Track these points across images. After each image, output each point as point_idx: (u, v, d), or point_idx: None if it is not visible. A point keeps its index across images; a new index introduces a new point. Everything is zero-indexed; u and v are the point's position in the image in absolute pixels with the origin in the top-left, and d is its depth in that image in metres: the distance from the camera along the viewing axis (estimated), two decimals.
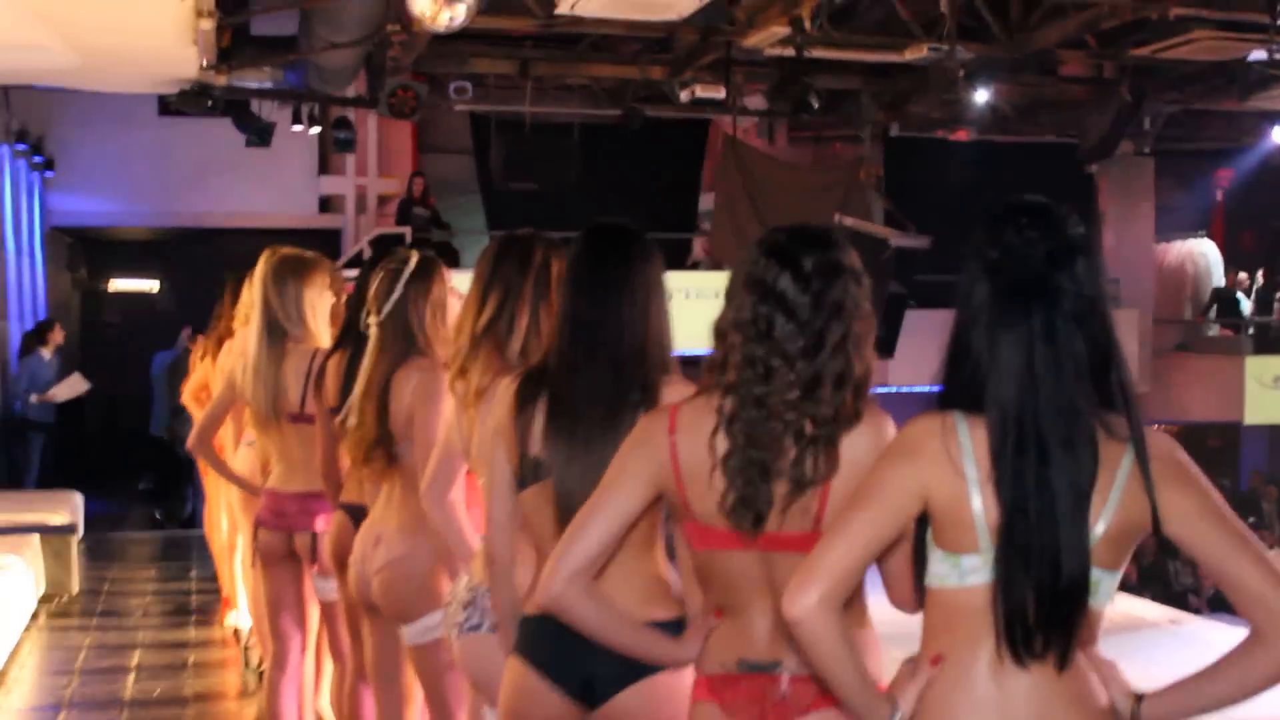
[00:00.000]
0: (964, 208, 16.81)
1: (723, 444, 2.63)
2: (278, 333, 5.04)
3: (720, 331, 2.72)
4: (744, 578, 2.68)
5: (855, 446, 2.58)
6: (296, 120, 14.59)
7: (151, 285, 19.29)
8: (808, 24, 10.85)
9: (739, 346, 2.65)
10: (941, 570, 2.34)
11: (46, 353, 13.52)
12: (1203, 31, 11.46)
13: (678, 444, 2.69)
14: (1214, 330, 20.59)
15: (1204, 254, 20.64)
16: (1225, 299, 20.16)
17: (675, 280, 13.42)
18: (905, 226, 16.06)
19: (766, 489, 2.59)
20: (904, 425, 2.40)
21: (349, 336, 4.53)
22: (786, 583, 2.36)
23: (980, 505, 2.28)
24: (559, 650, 2.93)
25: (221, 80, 12.04)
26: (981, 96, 13.17)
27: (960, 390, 2.33)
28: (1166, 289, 20.52)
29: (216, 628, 8.72)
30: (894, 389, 18.25)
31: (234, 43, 12.91)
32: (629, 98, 15.11)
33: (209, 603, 9.44)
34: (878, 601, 2.65)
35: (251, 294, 5.28)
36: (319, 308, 5.12)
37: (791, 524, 2.60)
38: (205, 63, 11.24)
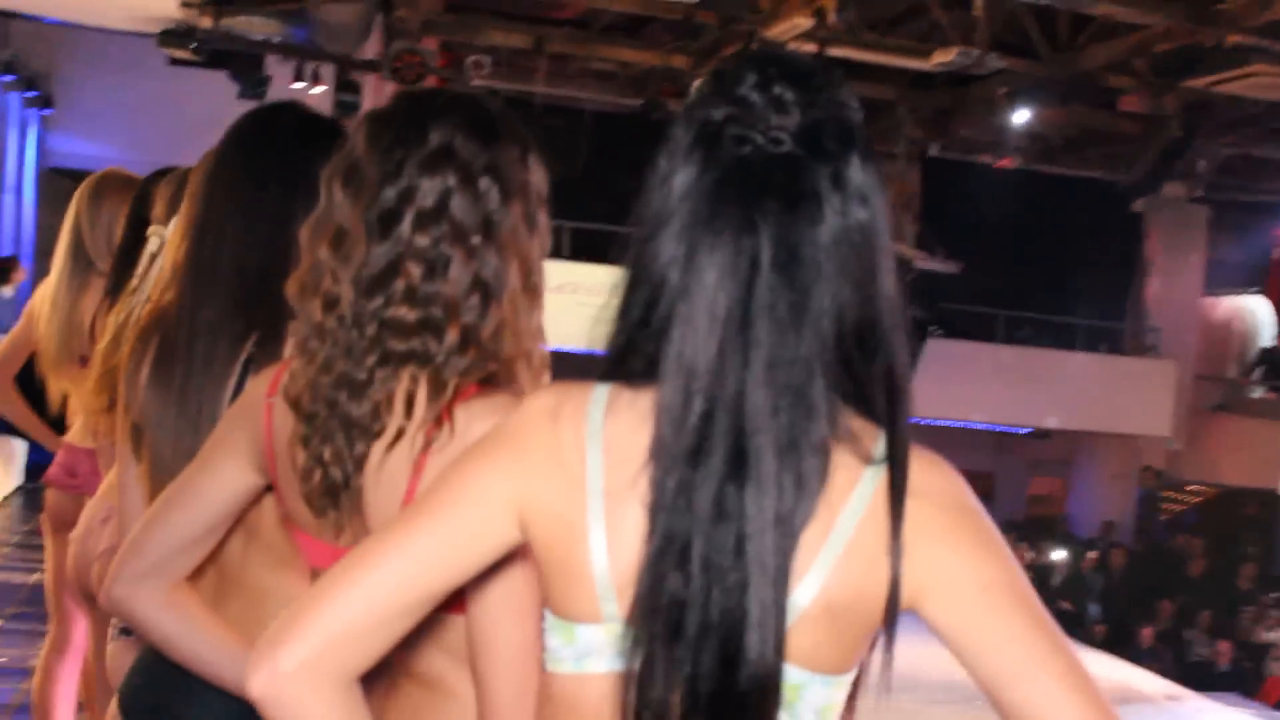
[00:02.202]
0: (1000, 237, 16.15)
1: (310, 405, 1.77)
2: (82, 261, 4.24)
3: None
4: None
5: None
6: (299, 78, 13.89)
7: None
8: (831, 15, 10.03)
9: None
10: (554, 645, 1.39)
11: (7, 291, 12.86)
12: (1262, 66, 10.55)
13: (274, 409, 1.83)
14: (1258, 392, 19.54)
15: (1254, 311, 19.56)
16: (1273, 360, 19.11)
17: None
18: (935, 250, 15.21)
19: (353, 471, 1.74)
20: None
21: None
22: (413, 633, 1.58)
23: (603, 541, 1.34)
24: (143, 684, 2.08)
25: (206, 23, 11.35)
26: (1021, 117, 12.33)
27: (625, 348, 1.37)
28: (1211, 345, 19.49)
29: None
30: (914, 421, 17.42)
31: None
32: (651, 88, 14.32)
33: None
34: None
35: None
36: None
37: None
38: (183, 0, 10.58)
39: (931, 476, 1.35)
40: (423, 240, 1.71)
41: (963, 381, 16.21)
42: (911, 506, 1.31)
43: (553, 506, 1.36)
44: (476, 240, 1.72)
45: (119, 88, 16.37)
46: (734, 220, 1.30)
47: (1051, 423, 17.15)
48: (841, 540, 1.30)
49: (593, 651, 1.34)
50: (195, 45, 11.46)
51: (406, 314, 1.70)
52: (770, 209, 1.29)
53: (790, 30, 10.84)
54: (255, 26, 13.15)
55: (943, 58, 10.32)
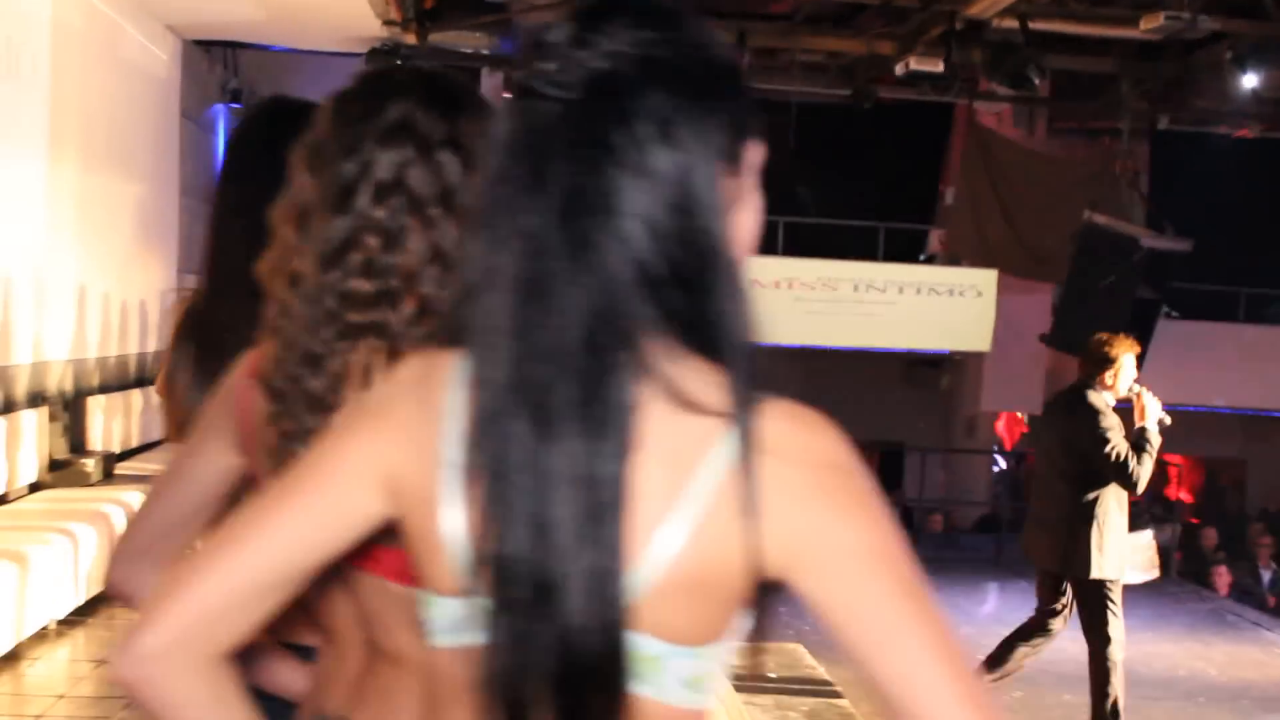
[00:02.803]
0: (1239, 212, 15.35)
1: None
2: None
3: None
4: (329, 597, 1.76)
5: None
6: (508, 90, 14.11)
7: None
8: None
9: None
10: (429, 619, 1.35)
11: None
12: None
13: (250, 391, 1.82)
14: None
15: None
16: None
17: (908, 274, 12.47)
18: (1164, 228, 14.50)
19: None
20: None
21: None
22: (378, 609, 1.64)
23: (459, 513, 1.28)
24: None
25: (410, 39, 11.60)
26: (1250, 81, 11.60)
27: (456, 315, 1.33)
28: None
29: None
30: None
31: (441, 3, 12.56)
32: (859, 76, 14.03)
33: None
34: None
35: None
36: None
37: None
38: (384, 18, 10.85)
39: (796, 431, 1.26)
40: (380, 212, 1.68)
41: (1202, 364, 15.45)
42: (771, 466, 1.23)
43: (411, 477, 1.31)
44: (435, 211, 1.69)
45: None
46: (525, 175, 1.24)
47: None
48: (698, 505, 1.24)
49: (461, 625, 1.29)
50: (400, 62, 11.67)
51: (364, 286, 1.68)
52: (558, 160, 1.23)
53: (993, 6, 10.49)
54: (464, 40, 13.43)
55: (1150, 23, 9.81)
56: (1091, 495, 6.38)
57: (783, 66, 14.65)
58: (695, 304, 1.24)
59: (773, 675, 7.01)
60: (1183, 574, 13.29)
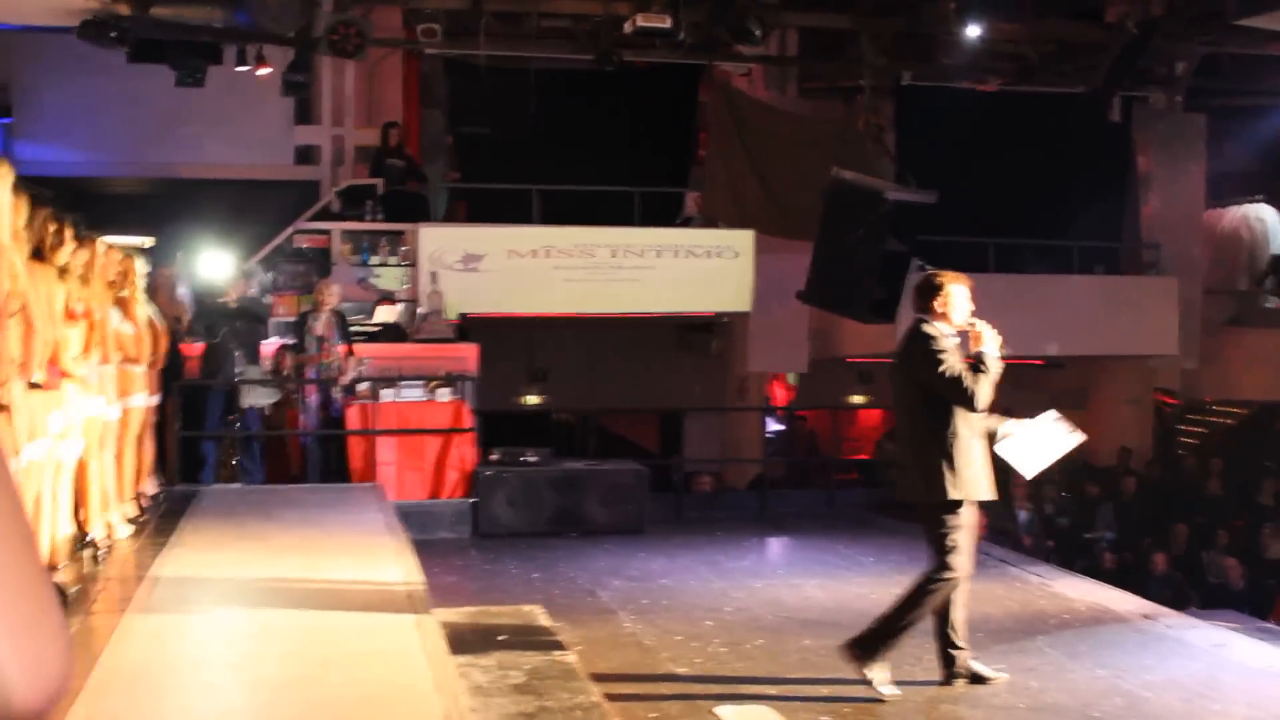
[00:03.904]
0: (982, 165, 15.63)
1: None
2: None
3: None
4: None
5: None
6: (242, 62, 13.64)
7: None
8: None
9: None
10: None
11: None
12: None
13: None
14: (1273, 302, 18.94)
15: (1261, 218, 18.93)
16: None
17: (664, 238, 12.34)
18: (909, 181, 14.75)
19: None
20: None
21: None
22: None
23: None
24: None
25: (123, 9, 11.09)
26: (973, 32, 11.86)
27: None
28: (1220, 257, 18.88)
29: None
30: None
31: None
32: (602, 41, 13.94)
33: None
34: None
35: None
36: None
37: None
38: None
39: None
40: None
41: None
42: None
43: None
44: None
45: (79, 91, 16.17)
46: None
47: (1053, 350, 16.65)
48: None
49: None
50: (117, 35, 11.15)
51: None
52: None
53: None
54: (190, 13, 12.90)
55: None
56: (938, 422, 6.36)
57: (527, 34, 14.48)
58: None
59: (501, 637, 6.86)
60: None
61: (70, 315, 6.62)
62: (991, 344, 6.40)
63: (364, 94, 17.07)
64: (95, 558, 7.44)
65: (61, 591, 6.40)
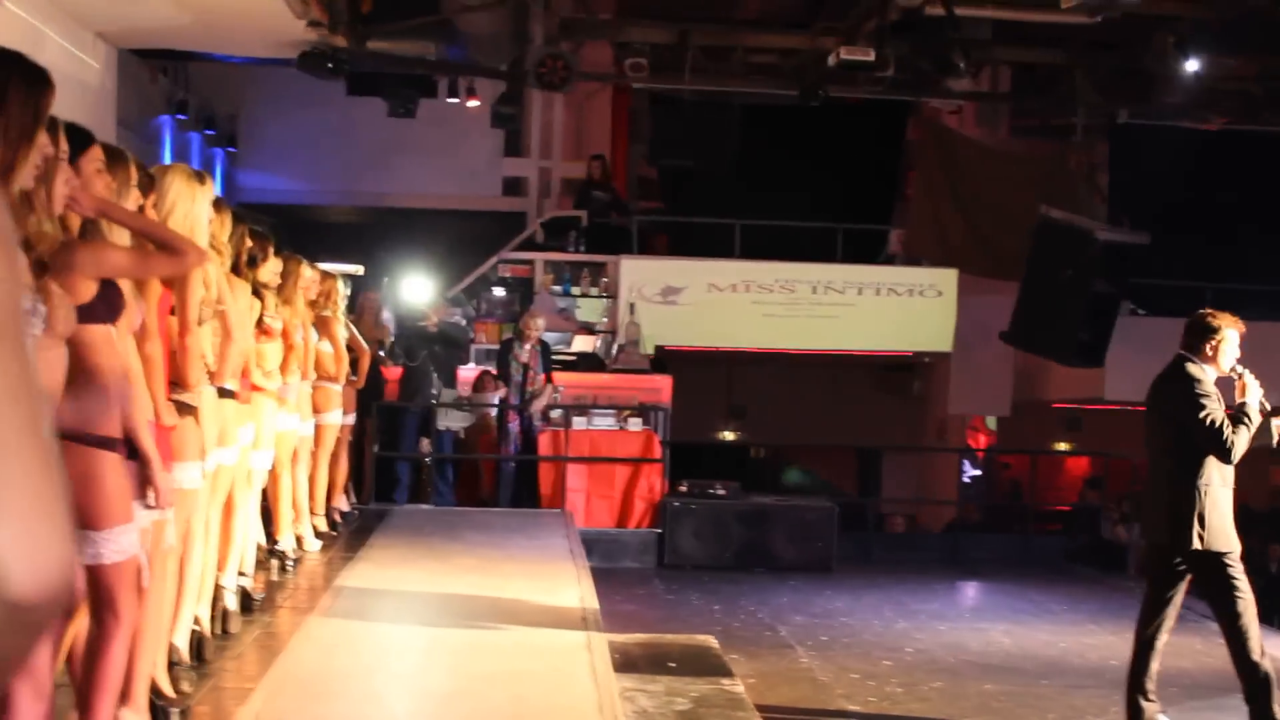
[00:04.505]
0: (1199, 206, 15.03)
1: None
2: None
3: None
4: None
5: None
6: (453, 94, 14.00)
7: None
8: None
9: None
10: None
11: None
12: None
13: None
14: None
15: None
16: None
17: (866, 275, 12.33)
18: (1122, 222, 14.32)
19: None
20: None
21: None
22: None
23: None
24: None
25: (340, 41, 11.47)
26: (1192, 67, 11.44)
27: None
28: None
29: None
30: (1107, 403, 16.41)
31: (378, 8, 12.45)
32: (807, 75, 13.87)
33: None
34: None
35: None
36: None
37: None
38: (305, 19, 10.74)
39: None
40: None
41: (1158, 361, 15.15)
42: None
43: None
44: None
45: (299, 123, 16.82)
46: None
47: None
48: None
49: None
50: (334, 66, 11.55)
51: None
52: None
53: None
54: (405, 47, 13.30)
55: (1069, 3, 9.65)
56: (1191, 468, 6.18)
57: (733, 69, 14.49)
58: None
59: (672, 664, 6.82)
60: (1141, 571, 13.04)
61: (266, 331, 6.84)
62: (1255, 395, 6.14)
63: (573, 128, 17.37)
64: (284, 567, 7.66)
65: (248, 596, 6.61)
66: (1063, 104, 14.73)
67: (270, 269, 6.84)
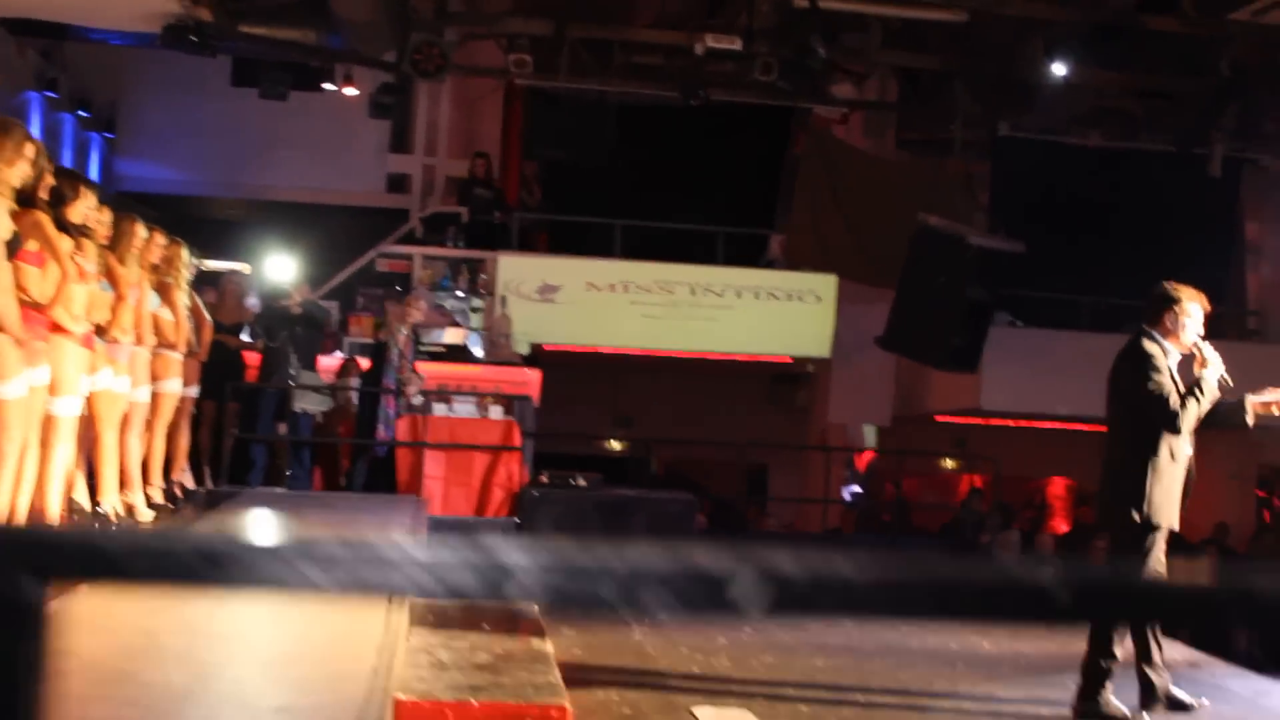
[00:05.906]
0: (1079, 219, 15.13)
1: None
2: None
3: None
4: None
5: None
6: (325, 80, 13.83)
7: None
8: None
9: None
10: None
11: None
12: None
13: None
14: None
15: None
16: None
17: (745, 279, 12.27)
18: (998, 230, 14.41)
19: None
20: None
21: None
22: None
23: None
24: None
25: (205, 15, 11.28)
26: (1060, 71, 11.55)
27: None
28: None
29: None
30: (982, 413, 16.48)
31: None
32: (689, 75, 13.85)
33: None
34: None
35: None
36: None
37: None
38: None
39: None
40: None
41: (1045, 372, 15.28)
42: None
43: None
44: None
45: (182, 113, 16.54)
46: None
47: None
48: None
49: None
50: (197, 40, 11.35)
51: None
52: None
53: None
54: (282, 33, 13.12)
55: None
56: (1144, 440, 6.08)
57: (615, 67, 14.46)
58: None
59: (486, 626, 6.66)
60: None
61: (80, 275, 6.61)
62: (1213, 370, 6.07)
63: (463, 128, 17.21)
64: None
65: None
66: (944, 113, 14.84)
67: (81, 209, 6.63)
